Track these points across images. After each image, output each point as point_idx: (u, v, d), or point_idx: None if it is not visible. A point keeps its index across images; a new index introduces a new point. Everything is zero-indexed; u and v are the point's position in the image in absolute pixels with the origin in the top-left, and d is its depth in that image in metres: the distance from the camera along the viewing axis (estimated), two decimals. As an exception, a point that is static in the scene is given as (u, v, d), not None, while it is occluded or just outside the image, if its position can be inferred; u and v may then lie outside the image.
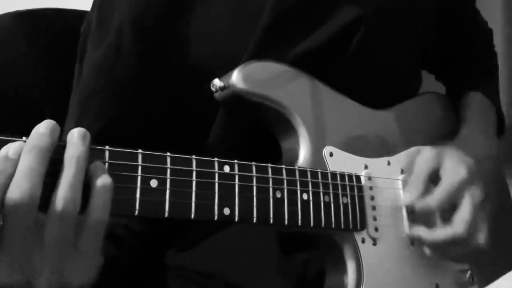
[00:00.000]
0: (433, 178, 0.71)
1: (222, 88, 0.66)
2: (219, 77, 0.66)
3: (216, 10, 0.71)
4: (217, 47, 0.70)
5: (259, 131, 0.71)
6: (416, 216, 0.71)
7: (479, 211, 0.70)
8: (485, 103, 0.90)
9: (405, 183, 0.73)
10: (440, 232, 0.69)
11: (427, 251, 0.70)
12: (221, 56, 0.70)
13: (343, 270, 0.67)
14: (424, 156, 0.73)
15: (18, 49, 0.84)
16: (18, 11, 0.85)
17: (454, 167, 0.71)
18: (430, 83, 1.01)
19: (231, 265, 0.71)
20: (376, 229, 0.69)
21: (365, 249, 0.68)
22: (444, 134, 0.86)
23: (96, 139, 0.50)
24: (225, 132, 0.72)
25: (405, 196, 0.72)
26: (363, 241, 0.68)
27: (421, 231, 0.70)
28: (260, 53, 0.69)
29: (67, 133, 0.49)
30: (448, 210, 0.70)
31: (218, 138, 0.72)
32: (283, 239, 0.73)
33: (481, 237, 0.70)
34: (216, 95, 0.67)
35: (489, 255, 0.75)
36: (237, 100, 0.66)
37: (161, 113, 0.72)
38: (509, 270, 0.65)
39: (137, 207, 0.51)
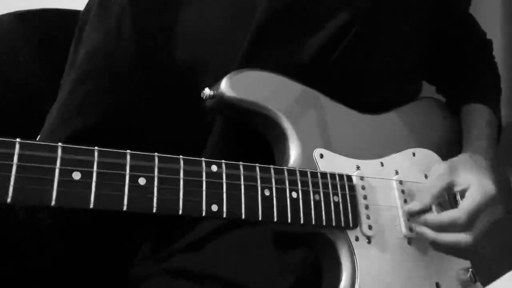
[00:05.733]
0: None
1: (211, 97, 0.69)
2: (209, 87, 0.70)
3: (211, 8, 0.74)
4: (211, 45, 0.73)
5: (255, 143, 0.73)
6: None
7: (483, 212, 0.72)
8: (489, 116, 0.89)
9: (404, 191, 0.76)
10: (443, 214, 0.73)
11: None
12: (214, 54, 0.72)
13: (337, 267, 0.68)
14: (438, 171, 0.76)
15: (18, 49, 0.85)
16: (18, 11, 0.86)
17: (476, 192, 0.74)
18: (432, 88, 1.02)
19: (230, 265, 0.72)
20: (370, 227, 0.70)
21: (359, 246, 0.69)
22: (440, 138, 0.87)
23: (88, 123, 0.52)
24: (222, 145, 0.73)
25: (413, 204, 0.74)
26: (356, 239, 0.69)
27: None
28: (254, 54, 0.71)
29: (57, 110, 0.50)
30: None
31: (215, 150, 0.73)
32: (281, 238, 0.74)
33: (479, 226, 0.71)
34: (206, 103, 0.70)
35: (491, 256, 0.75)
36: (227, 107, 0.69)
37: (153, 110, 0.73)
38: (509, 270, 0.65)
39: (125, 202, 0.54)
